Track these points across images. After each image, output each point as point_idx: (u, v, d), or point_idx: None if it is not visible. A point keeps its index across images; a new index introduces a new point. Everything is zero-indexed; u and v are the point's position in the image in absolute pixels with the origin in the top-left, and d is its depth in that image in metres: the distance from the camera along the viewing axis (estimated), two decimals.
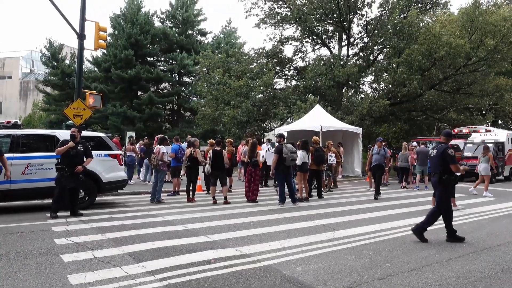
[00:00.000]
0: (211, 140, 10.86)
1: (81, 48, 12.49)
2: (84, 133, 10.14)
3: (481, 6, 21.96)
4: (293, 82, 27.84)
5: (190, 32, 37.63)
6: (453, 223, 6.68)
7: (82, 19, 12.39)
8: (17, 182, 8.51)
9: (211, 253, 5.52)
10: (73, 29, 12.25)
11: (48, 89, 37.31)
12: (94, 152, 9.46)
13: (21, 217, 8.13)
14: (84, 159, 8.45)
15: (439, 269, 5.02)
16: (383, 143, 13.07)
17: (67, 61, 35.58)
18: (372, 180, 14.49)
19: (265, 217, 8.40)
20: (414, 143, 17.02)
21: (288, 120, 23.83)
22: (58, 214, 8.09)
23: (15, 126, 9.18)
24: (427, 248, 6.00)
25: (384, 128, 29.65)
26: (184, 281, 4.40)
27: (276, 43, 26.53)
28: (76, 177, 8.22)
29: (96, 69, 35.67)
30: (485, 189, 12.90)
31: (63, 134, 9.38)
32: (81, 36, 12.39)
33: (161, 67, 36.87)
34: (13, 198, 8.82)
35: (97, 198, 10.14)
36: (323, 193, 12.18)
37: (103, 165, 9.50)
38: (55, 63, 35.41)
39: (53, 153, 8.34)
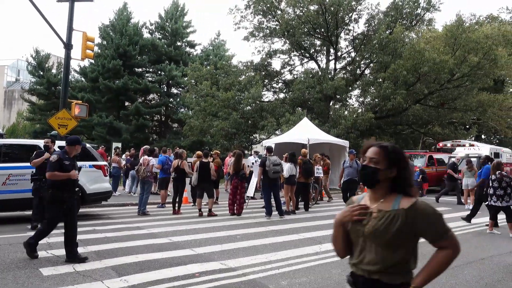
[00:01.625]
0: (199, 152, 10.80)
1: (67, 57, 12.38)
2: None
3: (464, 24, 22.59)
4: (281, 95, 28.03)
5: (179, 43, 37.69)
6: None
7: (70, 29, 12.31)
8: None
9: (195, 267, 5.43)
10: (60, 38, 12.15)
11: (34, 99, 36.80)
12: (78, 163, 9.32)
13: (0, 229, 7.91)
14: None
15: None
16: (356, 156, 12.13)
17: (54, 71, 35.23)
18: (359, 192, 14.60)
19: (251, 230, 8.33)
20: None
21: (276, 132, 23.92)
22: (39, 225, 7.89)
23: None
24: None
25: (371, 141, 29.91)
26: None
27: (264, 56, 26.76)
28: None
29: (83, 79, 35.38)
30: (471, 202, 12.99)
31: None
32: (68, 46, 12.29)
33: (149, 78, 36.75)
34: None
35: (81, 210, 9.94)
36: (310, 205, 12.16)
37: (87, 176, 9.30)
38: (41, 73, 35.00)
39: None
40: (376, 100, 24.41)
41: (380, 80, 23.34)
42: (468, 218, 10.22)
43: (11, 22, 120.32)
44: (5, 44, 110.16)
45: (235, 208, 10.43)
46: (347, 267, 5.45)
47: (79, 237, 7.15)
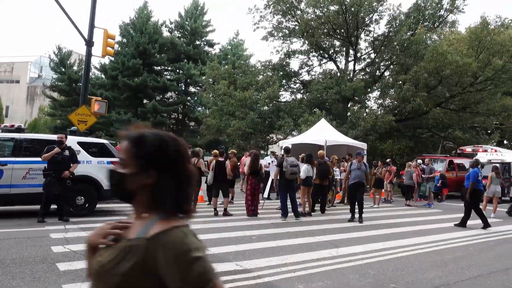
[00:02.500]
0: (215, 151, 10.77)
1: (88, 54, 12.53)
2: (88, 139, 10.14)
3: (489, 26, 21.95)
4: (299, 96, 27.84)
5: (197, 42, 37.88)
6: (459, 244, 6.51)
7: (91, 26, 12.45)
8: (18, 187, 8.41)
9: None
10: (81, 35, 12.31)
11: (55, 95, 37.55)
12: (96, 159, 9.42)
13: (20, 222, 8.04)
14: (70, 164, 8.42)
15: None
16: (364, 158, 11.70)
17: (75, 68, 35.86)
18: (376, 196, 14.34)
19: (267, 231, 8.24)
20: (419, 161, 16.85)
21: (293, 132, 23.76)
22: (53, 220, 8.02)
23: (19, 130, 9.13)
24: (433, 269, 5.83)
25: (389, 144, 29.48)
26: None
27: (283, 56, 26.60)
28: (63, 182, 8.19)
29: (103, 76, 35.91)
30: (494, 211, 12.60)
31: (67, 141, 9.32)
32: (89, 43, 12.44)
33: (168, 76, 37.05)
34: (13, 202, 8.73)
35: (98, 206, 10.02)
36: (326, 208, 12.00)
37: (105, 172, 9.38)
38: (63, 69, 35.69)
39: None
40: (396, 102, 23.99)
41: (400, 82, 22.92)
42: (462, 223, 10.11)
43: (35, 19, 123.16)
44: (29, 41, 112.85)
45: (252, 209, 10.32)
46: (364, 273, 5.29)
47: None
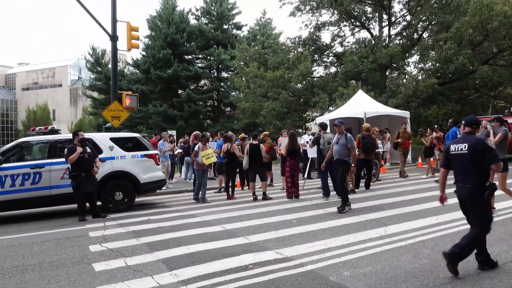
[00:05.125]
0: (242, 134, 10.41)
1: (114, 49, 12.47)
2: (120, 134, 10.10)
3: None
4: (333, 69, 26.81)
5: (225, 27, 37.41)
6: None
7: (114, 20, 12.34)
8: (57, 187, 8.53)
9: (249, 257, 5.07)
10: (105, 30, 12.24)
11: (95, 94, 38.71)
12: (130, 153, 9.36)
13: (63, 222, 8.15)
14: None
15: None
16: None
17: (110, 66, 36.62)
18: (425, 166, 13.46)
19: (308, 213, 7.83)
20: (489, 124, 15.59)
21: (330, 108, 22.94)
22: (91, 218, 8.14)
23: (52, 132, 9.23)
24: (497, 244, 5.18)
25: (433, 109, 27.89)
26: None
27: (312, 30, 25.55)
28: (92, 180, 8.19)
29: (136, 71, 36.45)
30: None
31: (99, 137, 9.33)
32: (113, 38, 12.35)
33: (199, 64, 37.02)
34: (54, 203, 8.89)
35: (137, 199, 10.04)
36: (371, 183, 11.38)
37: (140, 166, 9.33)
38: (99, 68, 36.58)
39: None
40: (438, 64, 22.42)
41: (441, 42, 21.33)
42: None
43: (71, 23, 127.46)
44: (67, 45, 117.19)
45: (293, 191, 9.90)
46: (418, 253, 4.66)
47: (133, 228, 7.15)
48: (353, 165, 7.99)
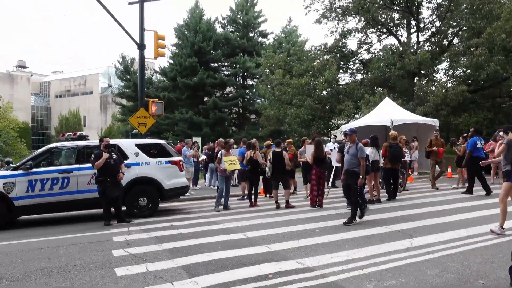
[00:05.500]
0: (268, 142, 10.36)
1: (141, 57, 12.75)
2: (145, 141, 10.27)
3: None
4: (359, 76, 26.47)
5: (251, 34, 37.73)
6: None
7: (141, 29, 12.64)
8: (84, 192, 8.73)
9: (269, 267, 5.00)
10: (132, 39, 12.54)
11: (123, 101, 39.70)
12: (155, 160, 9.48)
13: (89, 226, 8.32)
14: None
15: None
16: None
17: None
18: (456, 176, 12.98)
19: (331, 223, 7.69)
20: (501, 133, 15.03)
21: (356, 115, 22.63)
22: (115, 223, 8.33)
23: (81, 137, 9.47)
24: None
25: (464, 118, 27.03)
26: None
27: (338, 37, 25.37)
28: (118, 185, 8.32)
29: (164, 78, 37.18)
30: None
31: (125, 144, 9.51)
32: (141, 46, 12.65)
33: (225, 72, 37.40)
34: (81, 207, 9.10)
35: (160, 205, 10.14)
36: (397, 193, 11.07)
37: (164, 172, 9.44)
38: (128, 76, 37.55)
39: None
40: (469, 71, 21.75)
41: (473, 48, 20.70)
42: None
43: (102, 33, 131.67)
44: (98, 54, 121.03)
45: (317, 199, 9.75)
46: (446, 267, 4.48)
47: (156, 234, 7.21)
48: (361, 176, 7.65)
